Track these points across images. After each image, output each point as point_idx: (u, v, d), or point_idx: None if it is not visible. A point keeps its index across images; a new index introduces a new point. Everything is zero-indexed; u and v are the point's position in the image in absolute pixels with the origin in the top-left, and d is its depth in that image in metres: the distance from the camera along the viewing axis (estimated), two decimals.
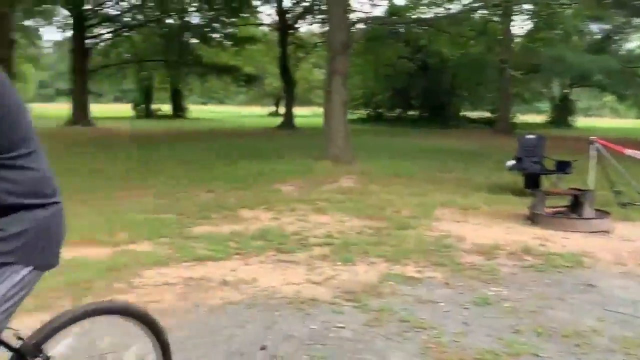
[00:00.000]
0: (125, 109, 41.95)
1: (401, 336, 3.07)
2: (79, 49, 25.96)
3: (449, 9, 22.45)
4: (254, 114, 51.16)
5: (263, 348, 2.87)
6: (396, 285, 3.94)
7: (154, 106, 40.38)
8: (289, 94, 28.81)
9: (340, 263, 4.45)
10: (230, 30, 29.26)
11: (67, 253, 4.60)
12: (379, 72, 32.18)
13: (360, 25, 16.25)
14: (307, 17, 28.53)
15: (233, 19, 27.98)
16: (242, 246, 4.89)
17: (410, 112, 34.71)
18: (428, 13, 24.54)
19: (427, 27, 25.65)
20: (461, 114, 34.26)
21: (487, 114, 33.27)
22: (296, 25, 29.28)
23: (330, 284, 3.94)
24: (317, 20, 28.67)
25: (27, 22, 26.87)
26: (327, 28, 22.30)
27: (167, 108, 40.92)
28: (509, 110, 26.57)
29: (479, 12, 21.32)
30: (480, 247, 5.02)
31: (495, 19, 23.85)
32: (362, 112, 35.80)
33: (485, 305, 3.59)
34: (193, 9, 28.23)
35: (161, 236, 5.14)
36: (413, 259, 4.59)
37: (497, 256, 4.79)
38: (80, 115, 25.05)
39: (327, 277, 4.08)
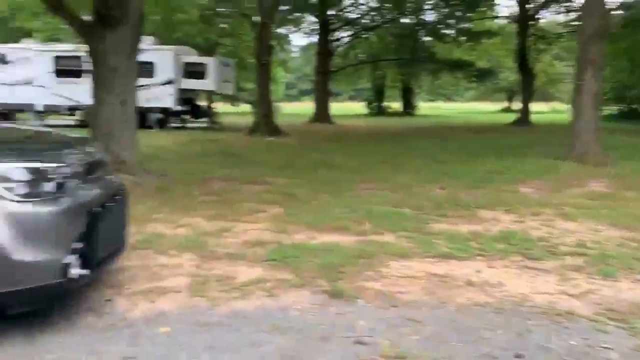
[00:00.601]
0: (358, 107, 44.49)
1: None
2: (323, 52, 28.30)
3: None
4: (485, 110, 49.47)
5: (519, 356, 2.74)
6: None
7: (385, 104, 42.04)
8: (526, 88, 27.04)
9: (598, 277, 4.00)
10: (464, 25, 28.70)
11: (319, 237, 5.06)
12: (634, 63, 27.99)
13: (618, 12, 14.36)
14: (551, 5, 26.36)
15: (469, 14, 27.36)
16: (484, 247, 4.74)
17: None
18: None
19: None
20: None
21: None
22: (537, 16, 27.28)
23: (588, 299, 3.57)
24: (562, 9, 26.32)
25: (280, 30, 30.31)
26: (573, 16, 20.27)
27: (397, 105, 42.20)
28: None
29: None
30: None
31: None
32: (612, 109, 31.69)
33: None
34: (428, 6, 28.42)
35: (402, 229, 5.28)
36: None
37: None
38: (321, 113, 27.25)
39: (584, 291, 3.71)
